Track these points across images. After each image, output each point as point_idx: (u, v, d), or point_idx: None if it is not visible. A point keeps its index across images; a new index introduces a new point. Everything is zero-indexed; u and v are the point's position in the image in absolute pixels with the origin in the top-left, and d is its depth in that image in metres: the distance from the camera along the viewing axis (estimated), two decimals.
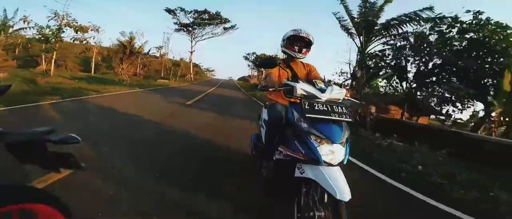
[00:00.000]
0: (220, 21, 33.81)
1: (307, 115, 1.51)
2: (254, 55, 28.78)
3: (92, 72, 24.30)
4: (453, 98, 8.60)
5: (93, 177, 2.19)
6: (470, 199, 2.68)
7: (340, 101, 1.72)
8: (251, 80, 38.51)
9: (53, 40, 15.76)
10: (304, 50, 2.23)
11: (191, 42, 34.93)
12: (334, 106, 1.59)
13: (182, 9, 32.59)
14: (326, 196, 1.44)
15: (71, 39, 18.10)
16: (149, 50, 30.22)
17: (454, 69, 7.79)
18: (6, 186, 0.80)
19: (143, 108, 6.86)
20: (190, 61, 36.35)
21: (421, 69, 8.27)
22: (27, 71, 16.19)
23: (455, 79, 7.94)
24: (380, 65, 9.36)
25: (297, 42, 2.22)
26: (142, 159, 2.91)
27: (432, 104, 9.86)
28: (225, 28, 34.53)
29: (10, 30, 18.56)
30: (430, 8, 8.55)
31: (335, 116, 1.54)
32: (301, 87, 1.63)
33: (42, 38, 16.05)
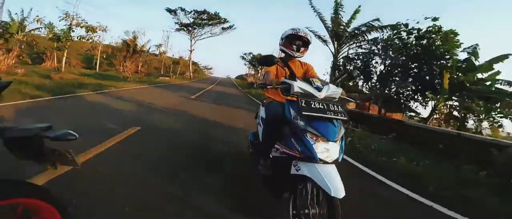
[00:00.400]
0: (219, 21, 35.30)
1: (303, 112, 1.53)
2: (251, 55, 30.39)
3: (97, 69, 25.64)
4: (415, 96, 10.35)
5: (155, 130, 3.96)
6: (379, 161, 3.91)
7: (337, 99, 1.77)
8: (248, 78, 40.03)
9: (64, 39, 17.26)
10: (302, 49, 2.24)
11: (191, 41, 36.42)
12: (330, 105, 1.62)
13: (183, 9, 34.02)
14: (320, 193, 1.46)
15: (78, 37, 19.58)
16: (149, 48, 31.80)
17: (410, 70, 9.60)
18: (5, 181, 0.79)
19: (158, 100, 8.50)
20: (189, 60, 37.84)
21: (383, 70, 10.03)
22: (35, 67, 17.54)
23: (410, 78, 9.69)
24: (349, 67, 11.13)
25: (296, 41, 2.23)
26: (174, 121, 4.86)
27: (402, 101, 11.62)
28: (223, 28, 36.06)
29: (26, 29, 19.93)
30: (377, 19, 10.50)
31: (331, 115, 1.56)
32: (298, 85, 1.66)
33: (54, 37, 17.53)
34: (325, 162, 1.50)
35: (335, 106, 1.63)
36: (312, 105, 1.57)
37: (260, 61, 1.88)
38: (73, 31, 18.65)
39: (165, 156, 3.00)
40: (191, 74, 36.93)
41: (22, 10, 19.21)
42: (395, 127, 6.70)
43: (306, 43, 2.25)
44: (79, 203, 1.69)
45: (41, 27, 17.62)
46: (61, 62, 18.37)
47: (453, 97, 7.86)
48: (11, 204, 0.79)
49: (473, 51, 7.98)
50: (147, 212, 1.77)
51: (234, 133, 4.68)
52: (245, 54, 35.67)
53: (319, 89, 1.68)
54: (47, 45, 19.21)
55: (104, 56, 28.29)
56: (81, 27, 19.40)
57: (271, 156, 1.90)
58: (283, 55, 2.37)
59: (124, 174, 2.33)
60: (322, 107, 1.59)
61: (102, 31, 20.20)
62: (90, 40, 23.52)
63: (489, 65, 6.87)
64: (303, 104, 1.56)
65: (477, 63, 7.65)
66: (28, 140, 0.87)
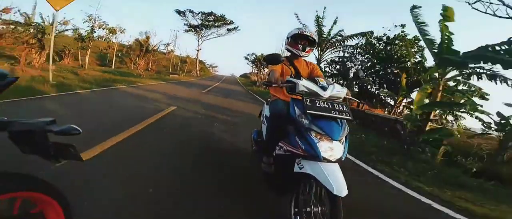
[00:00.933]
0: (224, 23, 37.38)
1: (308, 111, 1.54)
2: (254, 56, 32.33)
3: (113, 66, 27.81)
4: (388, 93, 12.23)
5: (185, 109, 6.06)
6: None
7: (341, 99, 1.78)
8: (252, 77, 41.98)
9: (88, 39, 19.51)
10: (307, 48, 2.24)
11: (198, 41, 38.58)
12: (335, 104, 1.64)
13: (191, 11, 36.18)
14: (323, 191, 1.47)
15: (97, 37, 21.80)
16: (158, 47, 33.96)
17: (378, 71, 11.52)
18: (6, 173, 0.79)
19: (178, 92, 10.59)
20: (196, 59, 40.00)
21: (356, 71, 11.90)
22: (56, 64, 19.58)
23: (377, 79, 11.59)
24: (327, 70, 13.20)
25: (301, 40, 2.24)
26: (195, 104, 6.82)
27: (382, 96, 13.48)
28: (228, 29, 38.14)
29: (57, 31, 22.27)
30: (342, 30, 12.77)
31: (335, 114, 1.58)
32: (304, 84, 1.67)
33: (78, 37, 19.77)
34: (329, 161, 1.51)
35: (340, 105, 1.64)
36: (317, 104, 1.59)
37: (266, 59, 1.87)
38: (95, 32, 20.99)
39: (195, 118, 5.11)
40: (198, 72, 39.10)
41: (54, 14, 21.47)
42: (361, 115, 8.67)
43: (311, 42, 2.27)
44: (169, 129, 3.79)
45: (68, 29, 19.81)
46: (83, 60, 20.63)
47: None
48: (11, 197, 0.80)
49: (422, 55, 9.91)
50: (204, 129, 3.87)
51: (237, 112, 6.93)
52: (248, 54, 37.64)
53: (324, 88, 1.70)
54: (65, 44, 20.99)
55: (119, 55, 30.47)
56: (103, 29, 21.75)
57: (274, 154, 1.90)
58: (289, 54, 2.38)
59: (181, 122, 4.46)
60: (326, 106, 1.60)
61: (121, 32, 22.46)
62: (108, 40, 25.81)
63: (436, 67, 8.58)
64: (308, 103, 1.57)
65: (427, 65, 9.49)
66: (32, 134, 0.86)
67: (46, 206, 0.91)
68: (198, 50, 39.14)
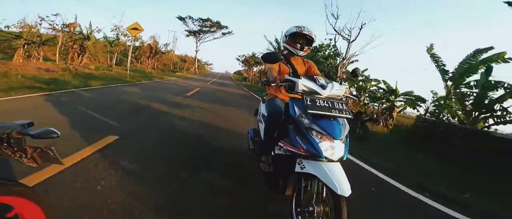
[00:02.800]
0: (220, 27, 43.56)
1: (309, 111, 1.53)
2: (244, 57, 38.47)
3: (128, 66, 33.63)
4: None
5: (202, 91, 12.78)
6: None
7: (340, 97, 1.77)
8: (244, 74, 48.10)
9: (114, 44, 25.57)
10: (305, 47, 2.24)
11: (196, 43, 44.73)
12: (335, 103, 1.62)
13: (190, 17, 42.19)
14: (325, 191, 1.46)
15: (114, 41, 27.73)
16: (163, 49, 39.88)
17: None
18: None
19: (193, 83, 17.00)
20: (195, 58, 46.20)
21: None
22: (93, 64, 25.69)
23: None
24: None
25: (300, 39, 2.23)
26: (206, 88, 13.48)
27: None
28: (223, 33, 44.37)
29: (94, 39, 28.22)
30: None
31: (336, 113, 1.56)
32: (303, 83, 1.66)
33: (107, 43, 25.77)
34: (331, 160, 1.50)
35: (340, 104, 1.63)
36: (317, 103, 1.57)
37: (264, 58, 1.84)
38: (118, 38, 27.06)
39: (210, 91, 11.75)
40: (196, 69, 45.31)
41: (90, 23, 27.33)
42: None
43: (310, 41, 2.26)
44: (203, 92, 10.46)
45: (101, 38, 25.80)
46: (111, 61, 26.62)
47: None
48: None
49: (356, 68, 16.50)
50: (217, 94, 10.52)
51: (231, 93, 13.46)
52: (239, 56, 43.91)
53: (323, 87, 1.68)
54: (97, 48, 26.49)
55: (133, 55, 36.28)
56: (124, 36, 27.77)
57: (273, 153, 1.88)
58: (285, 52, 2.36)
59: (205, 91, 11.11)
60: (327, 105, 1.59)
61: (139, 38, 28.55)
62: (127, 44, 31.72)
63: (368, 79, 13.71)
64: (308, 102, 1.56)
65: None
66: (8, 137, 0.84)
67: (23, 209, 0.86)
68: (196, 51, 45.36)
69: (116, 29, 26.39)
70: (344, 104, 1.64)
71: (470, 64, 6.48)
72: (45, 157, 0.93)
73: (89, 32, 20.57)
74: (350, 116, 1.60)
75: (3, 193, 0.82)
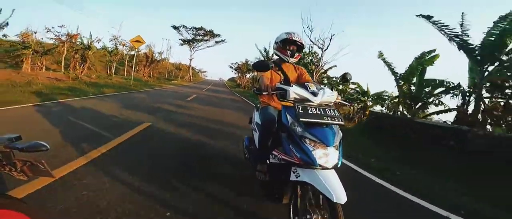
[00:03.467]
0: (213, 36, 45.38)
1: (301, 119, 1.54)
2: (236, 64, 40.16)
3: (125, 74, 34.80)
4: None
5: (203, 95, 14.37)
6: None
7: (332, 103, 1.78)
8: (238, 80, 49.69)
9: (113, 54, 26.86)
10: (296, 54, 2.26)
11: (190, 52, 46.39)
12: (326, 110, 1.63)
13: (185, 26, 43.90)
14: (321, 199, 1.48)
15: (113, 50, 29.01)
16: (158, 57, 41.22)
17: None
18: None
19: (190, 90, 18.52)
20: (189, 66, 47.74)
21: None
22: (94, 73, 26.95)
23: None
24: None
25: (290, 46, 2.25)
26: (205, 94, 15.10)
27: None
28: (216, 42, 46.22)
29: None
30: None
31: (328, 120, 1.57)
32: (294, 91, 1.68)
33: (107, 53, 27.03)
34: (325, 168, 1.51)
35: (332, 111, 1.64)
36: (309, 111, 1.58)
37: (254, 66, 1.87)
38: (117, 48, 28.33)
39: (206, 96, 13.38)
40: (191, 77, 46.78)
41: (91, 33, 28.57)
42: None
43: (300, 47, 2.29)
44: (202, 96, 12.12)
45: (100, 48, 27.03)
46: (110, 70, 27.83)
47: None
48: None
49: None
50: (212, 97, 12.17)
51: (224, 98, 15.02)
52: (232, 63, 45.70)
53: (315, 94, 1.69)
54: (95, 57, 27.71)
55: (130, 64, 37.49)
56: (123, 46, 29.10)
57: (268, 162, 1.90)
58: (277, 58, 2.37)
59: (203, 97, 12.72)
60: (319, 112, 1.59)
61: (136, 48, 29.86)
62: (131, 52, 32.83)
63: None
64: (300, 111, 1.56)
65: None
66: None
67: None
68: (190, 59, 46.96)
69: (114, 39, 27.75)
70: (335, 111, 1.66)
71: (412, 66, 8.31)
72: (35, 170, 0.94)
73: (90, 42, 21.57)
74: (342, 122, 1.61)
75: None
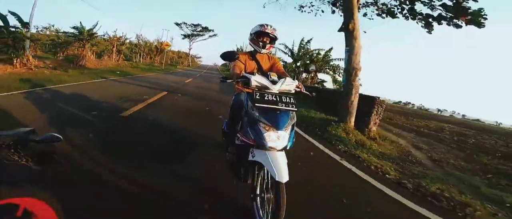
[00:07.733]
0: (207, 31, 56.22)
1: (256, 104, 1.67)
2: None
3: (140, 62, 45.44)
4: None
5: (204, 73, 26.75)
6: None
7: (292, 92, 1.92)
8: (229, 65, 60.37)
9: (137, 47, 37.96)
10: (268, 46, 2.35)
11: (189, 43, 57.49)
12: (282, 97, 1.77)
13: (185, 23, 54.39)
14: (270, 178, 1.62)
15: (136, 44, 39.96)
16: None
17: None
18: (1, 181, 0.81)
19: (192, 72, 29.76)
20: (189, 55, 59.00)
21: None
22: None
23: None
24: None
25: (263, 37, 2.34)
26: (205, 72, 27.44)
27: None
28: (210, 36, 57.22)
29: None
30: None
31: (282, 106, 1.70)
32: (255, 79, 1.81)
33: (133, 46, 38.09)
34: (275, 149, 1.64)
35: (287, 98, 1.76)
36: (266, 97, 1.70)
37: (222, 56, 1.97)
38: (140, 42, 39.15)
39: (205, 74, 25.50)
40: (190, 63, 58.05)
41: (123, 33, 39.42)
42: None
43: (273, 39, 2.38)
44: (205, 71, 24.44)
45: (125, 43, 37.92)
46: (135, 59, 39.03)
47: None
48: (9, 203, 0.81)
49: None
50: (208, 74, 24.48)
51: (214, 76, 26.91)
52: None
53: (274, 82, 1.84)
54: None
55: (142, 53, 48.38)
56: (144, 42, 40.13)
57: (235, 143, 2.04)
58: (252, 49, 2.48)
59: (204, 74, 24.91)
60: (275, 99, 1.72)
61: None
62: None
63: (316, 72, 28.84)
64: (257, 96, 1.69)
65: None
66: (16, 145, 0.90)
67: (32, 208, 0.90)
68: (189, 49, 58.13)
69: (138, 37, 38.68)
70: (291, 98, 1.78)
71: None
72: (49, 161, 1.01)
73: (124, 40, 32.62)
74: (295, 109, 1.73)
75: (11, 193, 0.83)
